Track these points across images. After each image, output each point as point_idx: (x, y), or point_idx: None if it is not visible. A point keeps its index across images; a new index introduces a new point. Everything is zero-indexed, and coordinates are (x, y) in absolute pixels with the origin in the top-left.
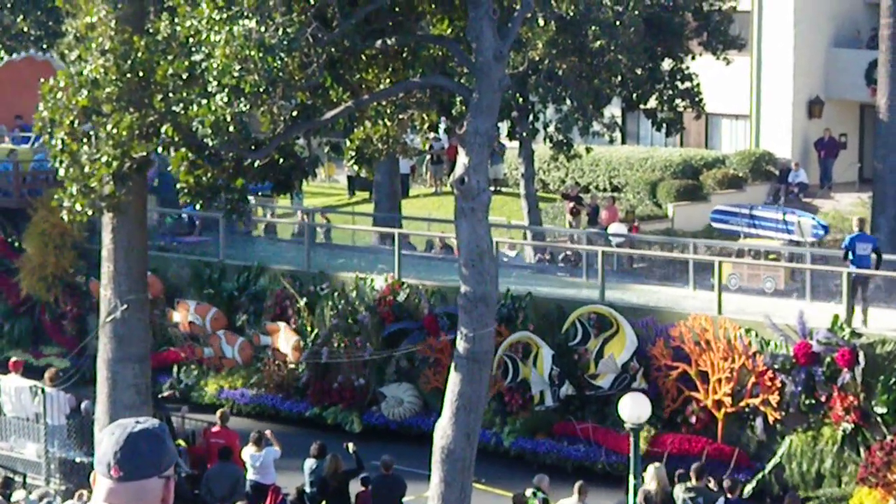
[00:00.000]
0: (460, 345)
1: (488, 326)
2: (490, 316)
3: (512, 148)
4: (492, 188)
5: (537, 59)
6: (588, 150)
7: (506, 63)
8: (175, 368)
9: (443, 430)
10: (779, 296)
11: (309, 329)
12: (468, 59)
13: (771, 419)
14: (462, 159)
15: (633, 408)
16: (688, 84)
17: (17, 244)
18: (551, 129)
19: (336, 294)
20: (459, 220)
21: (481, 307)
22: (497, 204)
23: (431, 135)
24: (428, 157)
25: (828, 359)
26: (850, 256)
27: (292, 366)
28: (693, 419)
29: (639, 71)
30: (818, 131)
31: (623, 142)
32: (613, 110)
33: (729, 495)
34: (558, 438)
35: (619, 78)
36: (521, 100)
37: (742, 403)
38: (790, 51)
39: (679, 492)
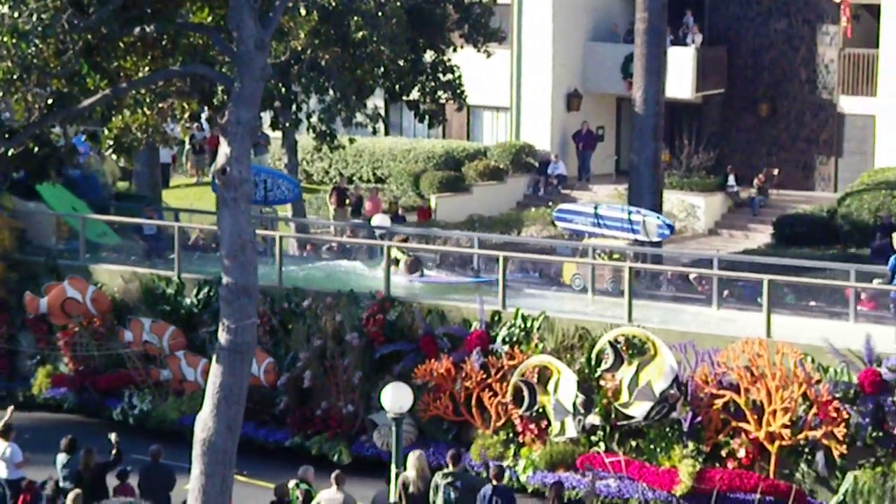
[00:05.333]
0: (222, 336)
1: (251, 318)
2: (252, 307)
3: (275, 138)
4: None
5: (300, 48)
6: (351, 140)
7: (267, 52)
8: (127, 393)
9: (204, 423)
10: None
11: (283, 351)
12: (229, 47)
13: (836, 453)
14: (224, 149)
15: (395, 398)
16: (450, 76)
17: None
18: (314, 119)
19: (318, 311)
20: (221, 210)
21: (243, 298)
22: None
23: (193, 124)
24: (189, 146)
25: None
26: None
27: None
28: (741, 452)
29: (401, 62)
30: (576, 124)
31: (386, 133)
32: (376, 101)
33: (495, 482)
34: (583, 473)
35: (382, 69)
36: (283, 90)
37: (801, 436)
38: (549, 44)
39: (438, 478)
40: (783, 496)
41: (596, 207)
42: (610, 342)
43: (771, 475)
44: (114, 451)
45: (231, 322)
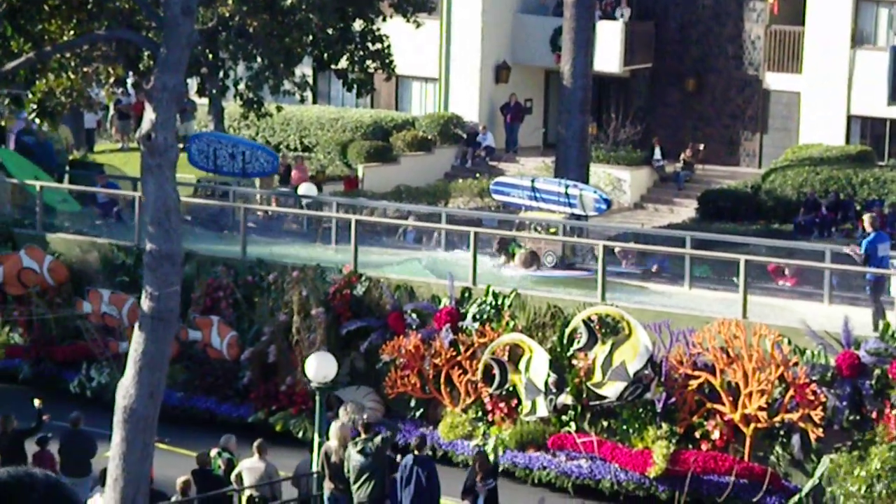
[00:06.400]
0: (145, 304)
1: (174, 285)
2: (175, 275)
3: (202, 105)
4: (180, 145)
5: (228, 15)
6: (279, 108)
7: (195, 18)
8: (85, 365)
9: (125, 390)
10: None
11: (247, 324)
12: (155, 13)
13: (812, 436)
14: (149, 115)
15: (319, 367)
16: (378, 46)
17: None
18: (241, 86)
19: (284, 285)
20: (146, 176)
21: (167, 265)
22: (186, 161)
23: (118, 89)
24: (114, 112)
25: (878, 371)
26: (868, 257)
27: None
28: (716, 434)
29: (330, 31)
30: (505, 96)
31: (314, 101)
32: (304, 69)
33: (416, 452)
34: (554, 453)
35: (311, 37)
36: (210, 56)
37: (777, 419)
38: (478, 15)
39: (351, 448)
40: (758, 479)
41: (533, 181)
42: (584, 321)
43: (746, 458)
44: (42, 418)
45: (154, 289)
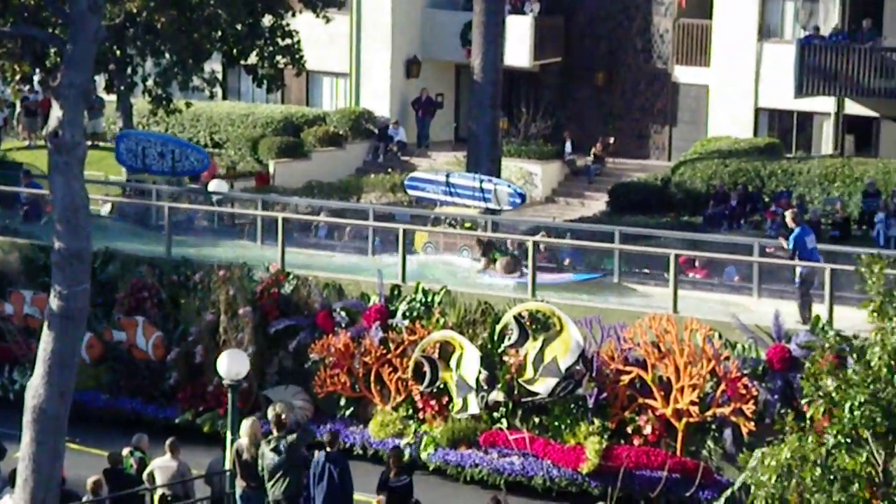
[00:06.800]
0: (54, 302)
1: (83, 283)
2: (84, 273)
3: (110, 101)
4: (89, 142)
5: (135, 11)
6: (188, 105)
7: (102, 14)
8: (7, 367)
9: (35, 390)
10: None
11: (172, 325)
12: (61, 9)
13: (744, 430)
14: (56, 112)
15: (231, 365)
16: (288, 41)
17: None
18: (150, 83)
19: (211, 284)
20: (53, 174)
21: (75, 264)
22: (95, 158)
23: (25, 86)
24: (21, 109)
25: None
26: (796, 251)
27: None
28: (648, 429)
29: (239, 26)
30: (416, 91)
31: (224, 97)
32: (214, 65)
33: (329, 448)
34: (486, 450)
35: (220, 33)
36: (118, 52)
37: (709, 413)
38: (388, 10)
39: (264, 446)
40: (690, 474)
41: (448, 176)
42: (515, 317)
43: (678, 452)
44: None
45: (63, 288)
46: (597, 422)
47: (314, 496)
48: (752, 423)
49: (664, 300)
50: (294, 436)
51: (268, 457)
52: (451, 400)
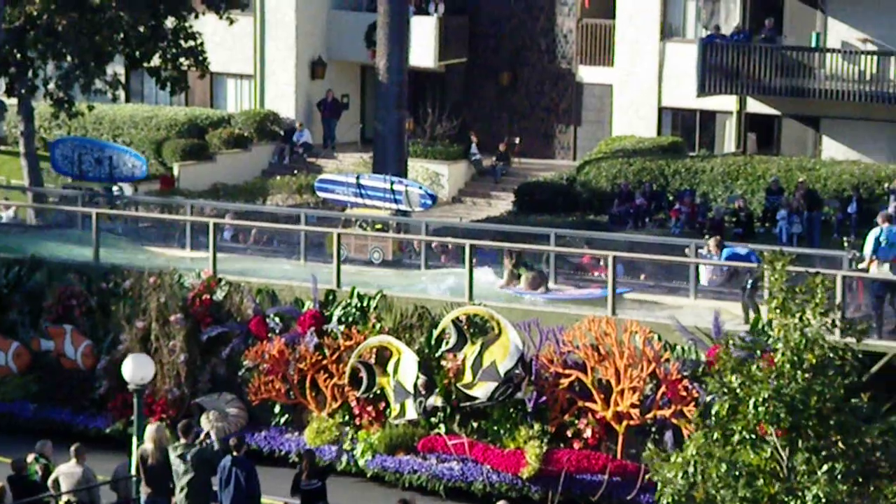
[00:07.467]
0: None
1: None
2: None
3: (11, 105)
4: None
5: (35, 13)
6: (90, 107)
7: (1, 17)
8: None
9: None
10: (388, 266)
11: (102, 333)
12: None
13: (685, 432)
14: None
15: (136, 369)
16: (191, 43)
17: None
18: (52, 85)
19: (142, 292)
20: None
21: None
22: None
23: None
24: None
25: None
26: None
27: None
28: (588, 432)
29: (141, 28)
30: (321, 92)
31: (127, 100)
32: (116, 68)
33: (235, 453)
34: (424, 456)
35: (122, 35)
36: (19, 55)
37: (649, 415)
38: (292, 12)
39: (171, 453)
40: (631, 476)
41: (358, 178)
42: (452, 321)
43: (618, 455)
44: None
45: None
46: (536, 426)
47: (221, 500)
48: (693, 426)
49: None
50: (200, 442)
51: (175, 463)
52: (388, 406)
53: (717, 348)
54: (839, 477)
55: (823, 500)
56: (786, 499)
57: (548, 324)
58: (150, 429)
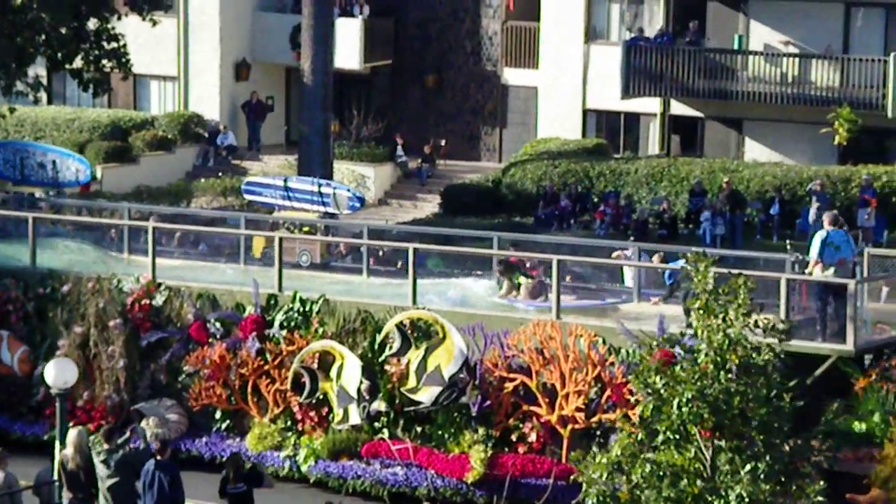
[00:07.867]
0: None
1: None
2: None
3: None
4: None
5: None
6: (12, 109)
7: None
8: None
9: None
10: (315, 269)
11: (39, 338)
12: None
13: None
14: None
15: (59, 373)
16: (114, 44)
17: None
18: None
19: (80, 297)
20: None
21: None
22: None
23: None
24: None
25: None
26: None
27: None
28: (533, 437)
29: (63, 30)
30: (246, 94)
31: (49, 102)
32: (38, 69)
33: (159, 457)
34: (368, 461)
35: (43, 36)
36: None
37: (594, 419)
38: (216, 13)
39: (95, 458)
40: (577, 480)
41: (286, 180)
42: (396, 326)
43: (563, 459)
44: None
45: None
46: (481, 430)
47: None
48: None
49: None
50: (124, 447)
51: (98, 468)
52: (331, 411)
53: (662, 351)
54: (762, 476)
55: (746, 500)
56: (709, 498)
57: (492, 328)
58: (72, 433)
